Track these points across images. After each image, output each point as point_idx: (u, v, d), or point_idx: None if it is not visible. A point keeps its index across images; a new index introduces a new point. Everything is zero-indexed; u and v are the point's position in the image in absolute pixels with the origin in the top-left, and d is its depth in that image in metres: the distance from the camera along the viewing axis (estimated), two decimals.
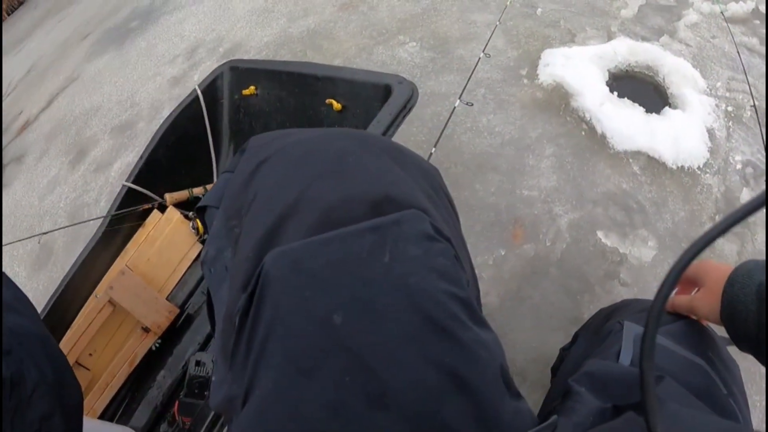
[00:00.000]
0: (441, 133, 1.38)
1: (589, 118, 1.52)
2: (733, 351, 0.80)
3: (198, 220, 1.37)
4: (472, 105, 1.48)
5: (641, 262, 1.35)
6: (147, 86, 2.27)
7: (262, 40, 2.19)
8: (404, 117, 1.12)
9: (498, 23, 1.65)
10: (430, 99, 1.65)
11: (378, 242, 0.44)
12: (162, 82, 2.23)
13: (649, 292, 1.33)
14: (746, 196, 1.47)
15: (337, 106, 1.25)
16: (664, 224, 1.39)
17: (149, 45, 2.55)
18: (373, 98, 1.17)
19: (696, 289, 0.65)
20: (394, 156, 0.56)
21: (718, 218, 1.42)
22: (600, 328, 0.75)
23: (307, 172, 0.52)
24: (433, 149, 1.34)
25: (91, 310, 1.22)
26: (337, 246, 0.44)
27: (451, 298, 0.45)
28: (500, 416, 0.44)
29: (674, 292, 0.71)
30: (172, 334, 1.31)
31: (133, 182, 1.32)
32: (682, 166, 1.46)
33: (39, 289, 1.70)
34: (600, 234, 1.38)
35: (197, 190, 1.43)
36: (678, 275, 0.39)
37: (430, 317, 0.43)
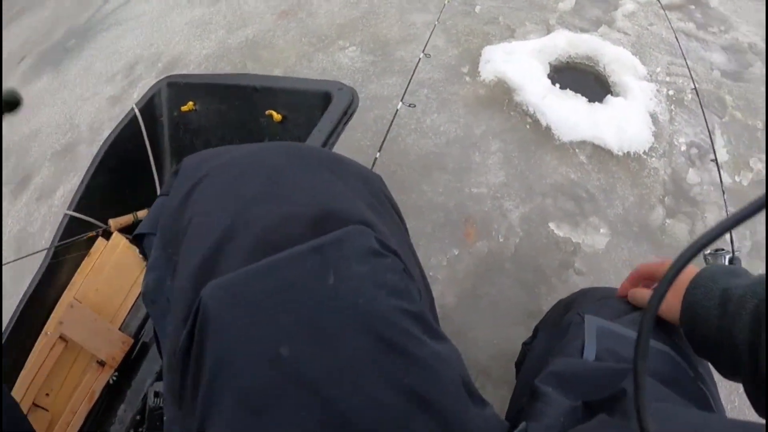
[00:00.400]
0: (385, 137, 1.34)
1: (533, 112, 1.51)
2: None
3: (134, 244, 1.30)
4: (415, 106, 1.46)
5: (595, 249, 1.34)
6: (86, 107, 2.19)
7: (201, 53, 2.14)
8: (345, 124, 1.09)
9: (437, 23, 1.63)
10: (372, 103, 1.62)
11: (321, 264, 0.42)
12: (101, 102, 2.14)
13: (604, 279, 1.31)
14: (693, 176, 1.47)
15: (277, 117, 1.22)
16: (615, 210, 1.38)
17: (87, 64, 2.46)
18: (314, 106, 1.15)
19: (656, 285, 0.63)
20: (332, 168, 0.54)
21: (667, 200, 1.42)
22: (559, 321, 0.73)
23: (242, 193, 0.49)
24: (378, 154, 1.31)
25: (42, 348, 1.14)
26: (278, 272, 0.41)
27: (403, 315, 0.43)
28: (467, 428, 0.43)
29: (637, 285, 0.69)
30: (129, 366, 1.24)
31: (75, 210, 1.25)
32: (628, 152, 1.46)
33: None
34: (552, 225, 1.36)
35: (142, 213, 1.36)
36: (675, 275, 0.35)
37: (382, 337, 0.41)
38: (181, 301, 0.45)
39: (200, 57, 2.11)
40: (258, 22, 2.16)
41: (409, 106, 1.44)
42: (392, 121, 1.36)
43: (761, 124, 1.65)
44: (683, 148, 1.52)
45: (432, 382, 0.42)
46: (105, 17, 2.79)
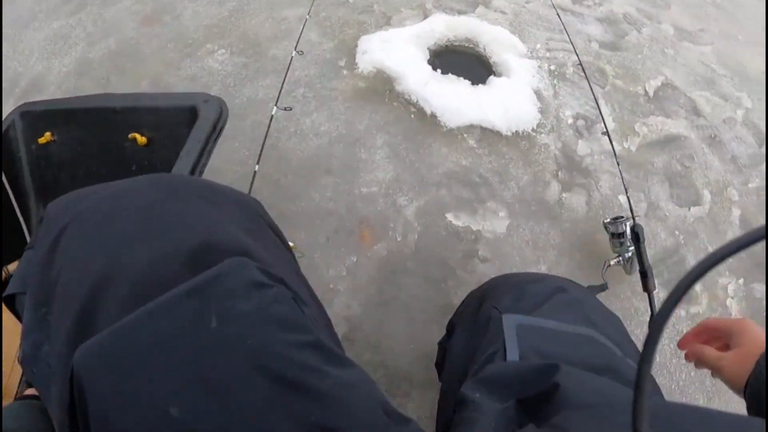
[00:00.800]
0: (263, 146, 1.21)
1: (416, 100, 1.43)
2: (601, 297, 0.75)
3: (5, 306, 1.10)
4: (291, 109, 1.33)
5: (496, 234, 1.28)
6: None
7: (62, 71, 1.90)
8: (216, 140, 0.98)
9: (308, 16, 1.52)
10: (247, 108, 1.47)
11: (199, 307, 0.38)
12: None
13: (510, 263, 1.25)
14: (583, 148, 1.46)
15: (141, 140, 1.08)
16: (510, 192, 1.33)
17: None
18: (180, 124, 1.03)
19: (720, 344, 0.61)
20: (206, 196, 0.50)
21: (561, 175, 1.39)
22: (476, 316, 0.70)
23: (111, 237, 0.44)
24: (257, 166, 1.17)
25: None
26: (152, 325, 0.37)
27: (299, 348, 0.40)
28: None
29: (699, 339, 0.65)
30: None
31: None
32: (517, 131, 1.42)
33: None
34: (449, 216, 1.28)
35: (13, 266, 1.13)
36: (684, 292, 0.31)
37: (279, 376, 0.38)
38: (60, 368, 0.40)
39: (60, 75, 1.88)
40: (120, 30, 1.94)
41: (285, 109, 1.32)
42: (269, 128, 1.23)
43: (641, 90, 1.68)
44: (570, 121, 1.51)
45: (342, 415, 0.39)
46: None
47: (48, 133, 1.14)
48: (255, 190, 1.34)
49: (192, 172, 0.92)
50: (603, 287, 1.17)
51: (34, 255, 0.51)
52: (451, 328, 0.88)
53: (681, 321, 1.29)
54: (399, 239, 1.26)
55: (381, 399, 0.44)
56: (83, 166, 1.17)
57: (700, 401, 1.17)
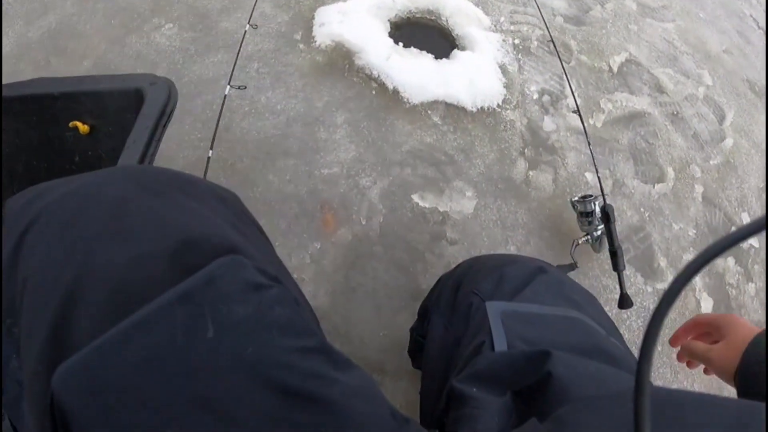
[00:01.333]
0: (216, 128, 1.12)
1: (377, 75, 1.36)
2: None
3: None
4: (246, 87, 1.24)
5: (464, 215, 1.24)
6: None
7: None
8: (165, 126, 0.91)
9: None
10: (198, 87, 1.37)
11: (193, 315, 0.33)
12: None
13: (479, 244, 1.22)
14: (548, 124, 1.43)
15: (83, 128, 1.00)
16: (477, 170, 1.29)
17: None
18: (125, 109, 0.95)
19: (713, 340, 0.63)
20: (183, 188, 0.45)
21: (527, 152, 1.36)
22: (454, 302, 0.67)
23: (80, 236, 0.39)
24: (210, 152, 1.09)
25: None
26: (141, 338, 0.32)
27: (304, 354, 0.36)
28: None
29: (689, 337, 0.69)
30: None
31: None
32: (482, 107, 1.37)
33: None
34: (415, 197, 1.23)
35: None
36: (680, 289, 0.28)
37: (286, 388, 0.34)
38: (36, 388, 0.35)
39: None
40: (60, 5, 1.78)
41: (239, 88, 1.23)
42: (221, 109, 1.15)
43: (606, 66, 1.66)
44: (535, 96, 1.47)
45: (354, 424, 0.36)
46: None
47: None
48: (209, 177, 1.26)
49: (141, 160, 0.85)
50: (572, 266, 1.16)
51: None
52: (423, 313, 0.85)
53: (646, 296, 1.29)
54: (364, 223, 1.20)
55: (386, 402, 0.42)
56: (22, 160, 1.08)
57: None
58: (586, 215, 1.18)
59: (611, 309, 1.21)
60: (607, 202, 1.16)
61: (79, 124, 1.00)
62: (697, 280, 1.38)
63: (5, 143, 1.07)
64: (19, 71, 1.65)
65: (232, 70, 1.20)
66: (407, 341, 0.98)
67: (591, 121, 1.49)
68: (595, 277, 1.25)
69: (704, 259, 0.27)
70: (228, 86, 1.18)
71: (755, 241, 1.45)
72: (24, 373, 0.39)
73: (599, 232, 1.17)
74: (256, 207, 1.21)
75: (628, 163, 1.46)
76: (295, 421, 0.34)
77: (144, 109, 0.89)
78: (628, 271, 1.31)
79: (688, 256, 1.38)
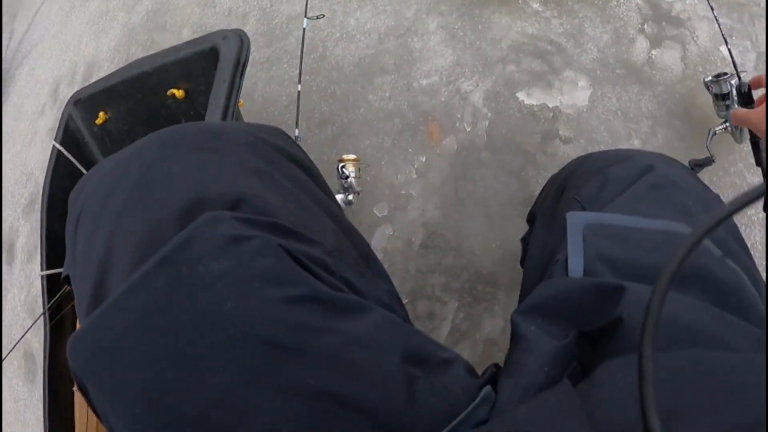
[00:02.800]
0: (301, 62, 1.14)
1: None
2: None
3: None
4: (323, 16, 1.23)
5: (578, 108, 1.13)
6: (32, 150, 2.01)
7: (110, 46, 1.92)
8: (242, 76, 0.95)
9: None
10: (289, 26, 1.39)
11: (172, 276, 0.35)
12: (43, 140, 1.96)
13: (597, 140, 1.11)
14: None
15: (179, 94, 1.11)
16: (590, 55, 1.16)
17: (16, 107, 2.25)
18: (208, 68, 1.02)
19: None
20: (208, 144, 0.46)
21: (647, 28, 1.19)
22: (555, 207, 0.61)
23: (112, 209, 0.42)
24: (299, 86, 1.11)
25: (81, 405, 1.10)
26: (129, 303, 0.35)
27: (290, 304, 0.36)
28: (404, 413, 0.36)
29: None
30: None
31: (47, 268, 1.17)
32: None
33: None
34: (521, 95, 1.15)
35: None
36: (674, 273, 0.26)
37: (269, 341, 0.34)
38: None
39: (111, 51, 1.92)
40: None
41: (317, 18, 1.22)
42: (303, 42, 1.15)
43: None
44: None
45: (348, 376, 0.35)
46: (14, 55, 2.58)
47: (101, 113, 1.21)
48: (311, 108, 1.29)
49: (224, 114, 0.91)
50: (708, 161, 0.99)
51: (66, 242, 0.50)
52: (531, 218, 0.79)
53: None
54: (469, 129, 1.15)
55: (406, 347, 0.39)
56: (140, 133, 1.20)
57: None
58: (722, 97, 0.99)
59: (755, 213, 1.04)
60: (747, 81, 0.97)
61: (175, 91, 1.10)
62: None
63: (124, 121, 1.23)
64: (132, 55, 1.82)
65: (306, 2, 1.19)
66: (520, 251, 0.93)
67: None
68: (738, 173, 1.08)
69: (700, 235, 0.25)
70: (305, 19, 1.17)
71: None
72: None
73: None
74: (359, 129, 1.22)
75: None
76: (281, 373, 0.34)
77: (219, 64, 0.95)
78: None
79: None
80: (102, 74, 1.92)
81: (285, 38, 1.40)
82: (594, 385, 0.35)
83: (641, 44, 1.18)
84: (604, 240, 0.47)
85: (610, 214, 0.50)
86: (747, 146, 1.02)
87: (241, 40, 0.96)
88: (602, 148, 1.12)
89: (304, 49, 1.33)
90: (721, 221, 0.25)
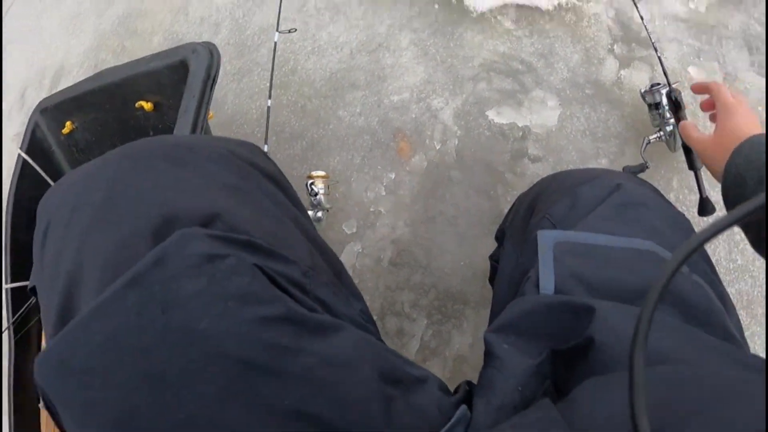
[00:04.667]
0: (271, 77, 1.12)
1: None
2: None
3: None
4: (296, 30, 1.21)
5: (547, 127, 1.13)
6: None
7: (80, 51, 1.89)
8: (212, 89, 0.95)
9: None
10: (261, 37, 1.37)
11: (143, 297, 0.34)
12: (10, 147, 1.91)
13: (566, 159, 1.11)
14: (642, 9, 1.25)
15: (148, 106, 1.09)
16: (560, 75, 1.17)
17: None
18: (178, 82, 1.01)
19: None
20: (177, 159, 0.45)
21: (617, 48, 1.20)
22: (526, 227, 0.62)
23: (80, 223, 0.40)
24: (269, 101, 1.09)
25: (47, 420, 1.07)
26: (99, 323, 0.34)
27: (264, 324, 0.35)
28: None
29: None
30: None
31: (12, 281, 1.14)
32: (559, 4, 1.22)
33: None
34: (491, 113, 1.15)
35: None
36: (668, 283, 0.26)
37: (246, 361, 0.34)
38: None
39: (80, 56, 1.88)
40: None
41: (288, 32, 1.20)
42: (274, 56, 1.14)
43: None
44: None
45: (324, 397, 0.35)
46: None
47: (68, 122, 1.18)
48: (282, 122, 1.27)
49: (194, 126, 0.90)
50: (643, 167, 1.02)
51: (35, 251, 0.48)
52: (500, 236, 0.79)
53: None
54: (438, 147, 1.15)
55: (381, 366, 0.39)
56: (108, 144, 1.21)
57: None
58: (656, 106, 1.03)
59: (692, 217, 1.06)
60: (677, 88, 0.99)
61: (143, 103, 1.08)
62: None
63: (91, 132, 1.21)
64: (101, 61, 1.78)
65: (278, 16, 1.18)
66: (489, 269, 0.92)
67: (692, 5, 1.28)
68: (664, 179, 1.10)
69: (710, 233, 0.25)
70: (276, 32, 1.16)
71: None
72: None
73: (671, 126, 1.01)
74: (329, 145, 1.20)
75: (741, 52, 1.24)
76: (255, 393, 0.34)
77: (189, 78, 0.94)
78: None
79: None
80: (71, 80, 1.89)
81: (257, 50, 1.38)
82: (574, 402, 0.35)
83: (611, 64, 1.18)
84: (575, 258, 0.48)
85: (580, 233, 0.50)
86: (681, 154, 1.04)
87: (211, 54, 0.95)
88: (571, 167, 1.12)
89: (277, 63, 1.32)
90: (714, 234, 0.26)
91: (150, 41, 1.64)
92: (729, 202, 0.51)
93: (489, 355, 0.45)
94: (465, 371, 1.02)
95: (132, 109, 1.10)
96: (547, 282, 0.47)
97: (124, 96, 1.09)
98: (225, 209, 0.41)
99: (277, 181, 0.53)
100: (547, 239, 0.50)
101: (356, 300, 0.56)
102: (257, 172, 0.50)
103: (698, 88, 0.76)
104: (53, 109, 1.18)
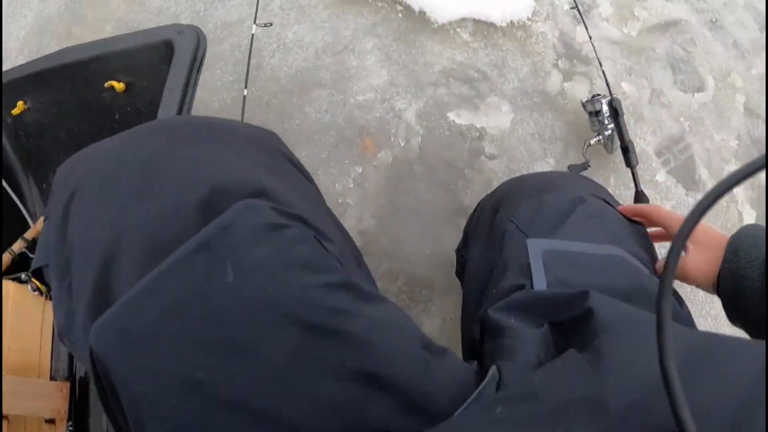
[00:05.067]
0: (248, 66, 1.13)
1: None
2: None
3: (35, 280, 1.06)
4: (271, 24, 1.24)
5: (501, 130, 1.23)
6: None
7: (20, 35, 1.78)
8: (199, 71, 0.93)
9: None
10: (223, 32, 1.38)
11: (212, 261, 0.34)
12: None
13: (518, 158, 1.21)
14: (581, 34, 1.39)
15: (119, 86, 1.03)
16: (511, 84, 1.27)
17: None
18: (157, 62, 0.97)
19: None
20: (215, 137, 0.46)
21: (561, 64, 1.33)
22: (491, 228, 0.66)
23: (118, 195, 0.40)
24: (245, 91, 1.10)
25: None
26: (162, 289, 0.34)
27: (326, 290, 0.37)
28: (428, 392, 0.38)
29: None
30: (79, 409, 1.05)
31: None
32: (512, 21, 1.34)
33: None
34: (451, 115, 1.23)
35: (18, 246, 1.08)
36: (689, 232, 0.29)
37: (308, 324, 0.35)
38: (83, 342, 0.37)
39: (20, 41, 1.77)
40: None
41: (265, 25, 1.23)
42: (251, 47, 1.15)
43: None
44: (566, 7, 1.43)
45: (381, 356, 0.37)
46: None
47: (20, 102, 1.09)
48: (247, 117, 1.28)
49: (180, 108, 0.88)
50: (585, 165, 1.15)
51: (50, 225, 0.47)
52: (466, 238, 0.84)
53: (688, 209, 1.26)
54: (402, 144, 1.21)
55: (418, 333, 0.42)
56: (63, 127, 1.13)
57: None
58: (596, 114, 1.17)
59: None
60: (617, 97, 1.15)
61: (114, 83, 1.03)
62: (739, 192, 1.34)
63: (46, 113, 1.12)
64: (45, 46, 1.69)
65: (256, 9, 1.20)
66: (453, 257, 0.98)
67: (625, 30, 1.44)
68: (606, 177, 1.24)
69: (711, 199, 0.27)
70: (254, 25, 1.18)
71: None
72: (79, 330, 0.42)
73: (610, 131, 1.16)
74: (295, 139, 1.23)
75: (666, 72, 1.42)
76: (320, 355, 0.35)
77: (175, 57, 0.91)
78: (669, 182, 1.29)
79: (730, 168, 1.35)
80: (8, 66, 1.78)
81: (219, 44, 1.39)
82: (599, 352, 0.38)
83: (555, 77, 1.31)
84: (561, 265, 0.53)
85: (562, 241, 0.55)
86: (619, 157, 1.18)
87: (198, 37, 0.93)
88: (522, 165, 1.22)
89: (240, 58, 1.33)
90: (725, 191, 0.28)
91: (102, 29, 1.58)
92: (735, 305, 0.52)
93: (498, 328, 0.49)
94: None
95: (98, 90, 1.05)
96: (539, 281, 0.51)
97: (91, 75, 1.04)
98: (270, 186, 0.42)
99: (301, 169, 0.55)
100: (536, 247, 0.54)
101: (372, 285, 0.59)
102: (283, 158, 0.52)
103: (632, 212, 0.65)
104: (6, 87, 1.09)
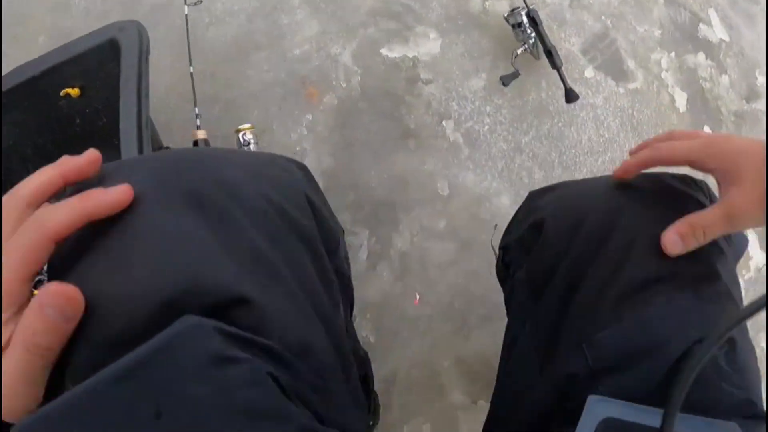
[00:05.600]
0: (188, 43, 1.19)
1: None
2: None
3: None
4: (201, 2, 1.30)
5: (432, 55, 1.32)
6: None
7: None
8: (147, 60, 0.97)
9: None
10: (155, 17, 1.43)
11: (138, 394, 0.29)
12: None
13: (453, 78, 1.31)
14: None
15: (74, 92, 1.06)
16: (435, 12, 1.36)
17: None
18: (105, 62, 1.01)
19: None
20: (212, 207, 0.38)
21: None
22: (542, 278, 0.58)
23: (96, 257, 0.35)
24: (191, 68, 1.16)
25: None
26: (82, 414, 0.28)
27: None
28: None
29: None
30: None
31: None
32: None
33: None
34: (384, 50, 1.32)
35: None
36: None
37: None
38: None
39: None
40: None
41: (195, 3, 1.28)
42: (187, 27, 1.21)
43: None
44: None
45: None
46: None
47: None
48: (197, 91, 1.34)
49: (138, 94, 0.92)
50: (515, 74, 1.26)
51: None
52: (505, 248, 0.73)
53: (620, 97, 1.37)
54: (344, 86, 1.29)
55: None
56: (29, 145, 1.16)
57: None
58: (518, 26, 1.27)
59: (560, 106, 1.31)
60: (534, 8, 1.25)
61: (69, 90, 1.06)
62: (668, 76, 1.45)
63: (7, 136, 1.12)
64: None
65: None
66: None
67: None
68: (537, 82, 1.34)
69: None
70: (185, 6, 1.24)
71: (725, 35, 1.51)
72: None
73: (533, 39, 1.26)
74: (246, 103, 1.30)
75: None
76: None
77: (124, 51, 0.95)
78: (598, 77, 1.40)
79: (656, 56, 1.45)
80: None
81: (154, 28, 1.43)
82: None
83: None
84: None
85: (637, 408, 0.41)
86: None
87: (139, 29, 0.98)
88: (457, 83, 1.31)
89: (176, 39, 1.39)
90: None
91: (36, 42, 1.60)
92: None
93: None
94: (411, 265, 1.17)
95: (55, 100, 1.08)
96: None
97: (46, 88, 1.06)
98: (253, 295, 0.36)
99: (310, 243, 0.47)
100: (595, 410, 0.42)
101: (353, 408, 0.52)
102: (292, 234, 0.44)
103: (632, 170, 0.53)
104: None
